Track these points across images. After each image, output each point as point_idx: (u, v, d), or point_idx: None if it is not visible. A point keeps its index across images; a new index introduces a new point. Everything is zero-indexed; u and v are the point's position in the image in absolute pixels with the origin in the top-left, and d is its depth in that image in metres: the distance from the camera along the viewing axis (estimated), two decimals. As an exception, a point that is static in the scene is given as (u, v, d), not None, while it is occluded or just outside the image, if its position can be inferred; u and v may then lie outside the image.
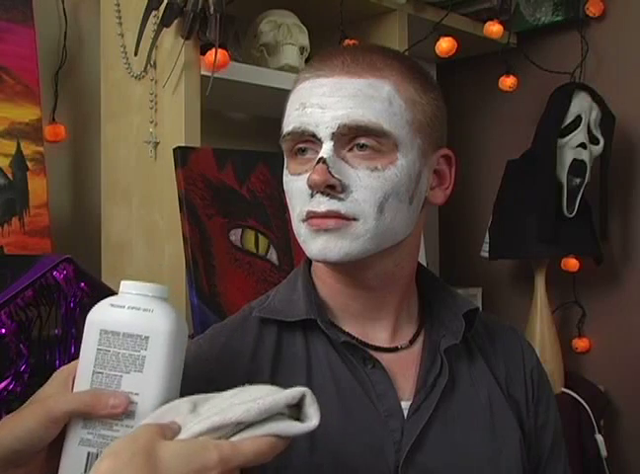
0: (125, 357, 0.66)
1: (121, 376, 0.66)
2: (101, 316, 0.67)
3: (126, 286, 0.68)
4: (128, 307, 0.67)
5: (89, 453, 0.65)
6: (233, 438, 0.60)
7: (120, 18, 1.46)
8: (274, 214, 1.36)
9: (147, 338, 0.66)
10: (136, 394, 0.65)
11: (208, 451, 0.58)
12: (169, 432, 0.60)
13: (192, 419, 0.62)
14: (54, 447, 0.66)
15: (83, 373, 0.67)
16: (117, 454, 0.56)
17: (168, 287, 0.69)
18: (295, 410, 0.63)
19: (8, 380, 1.04)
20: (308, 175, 0.78)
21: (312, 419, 0.62)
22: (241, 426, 0.60)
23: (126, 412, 0.65)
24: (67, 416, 0.65)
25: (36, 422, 0.64)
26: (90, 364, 0.67)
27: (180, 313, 0.69)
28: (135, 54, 1.38)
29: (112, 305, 0.67)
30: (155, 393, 0.66)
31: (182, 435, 0.60)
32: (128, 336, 0.66)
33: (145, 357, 0.66)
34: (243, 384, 0.65)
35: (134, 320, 0.66)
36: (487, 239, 1.88)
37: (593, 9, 1.85)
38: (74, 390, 0.67)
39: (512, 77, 1.83)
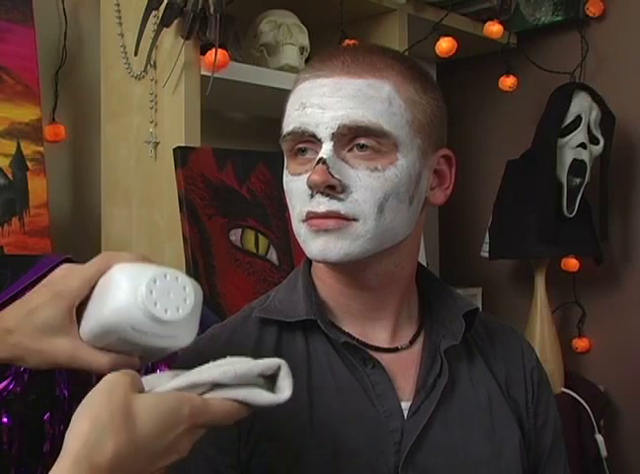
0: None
1: None
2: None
3: None
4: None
5: None
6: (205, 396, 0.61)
7: (120, 18, 1.46)
8: (274, 214, 1.36)
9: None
10: None
11: (182, 406, 0.59)
12: (139, 381, 0.61)
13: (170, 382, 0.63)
14: None
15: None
16: (96, 416, 0.56)
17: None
18: (269, 383, 0.64)
19: (8, 380, 1.04)
20: (308, 175, 0.78)
21: (284, 392, 0.62)
22: (214, 387, 0.62)
23: None
24: None
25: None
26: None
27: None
28: (135, 54, 1.38)
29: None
30: None
31: (158, 389, 0.61)
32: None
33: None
34: None
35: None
36: (487, 239, 1.88)
37: (593, 9, 1.85)
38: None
39: (512, 77, 1.83)
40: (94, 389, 0.59)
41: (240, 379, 0.61)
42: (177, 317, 0.64)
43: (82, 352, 0.66)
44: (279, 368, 0.63)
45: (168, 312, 0.63)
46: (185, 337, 0.67)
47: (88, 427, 0.56)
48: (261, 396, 0.62)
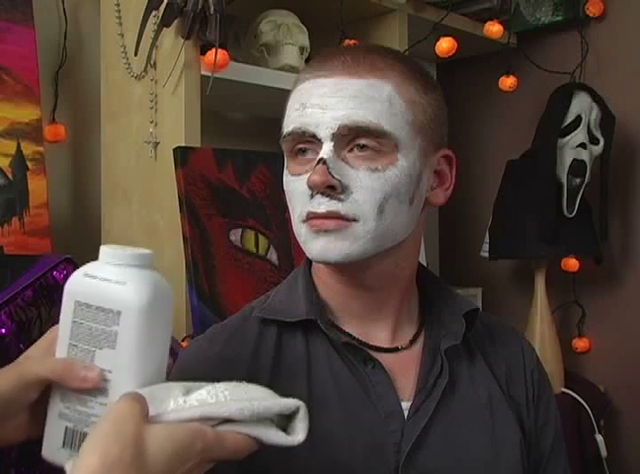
0: (98, 332, 0.62)
1: (94, 352, 0.62)
2: (75, 286, 0.64)
3: (103, 254, 0.63)
4: (101, 278, 0.62)
5: (67, 428, 0.63)
6: (217, 428, 0.60)
7: (120, 18, 1.46)
8: (274, 214, 1.36)
9: (119, 313, 0.61)
10: (109, 371, 0.62)
11: (194, 441, 0.58)
12: (147, 405, 0.59)
13: (182, 404, 0.60)
14: (39, 411, 0.65)
15: (61, 344, 0.64)
16: (105, 451, 0.55)
17: (151, 253, 0.64)
18: (285, 419, 0.62)
19: (8, 381, 1.04)
20: (308, 175, 0.78)
21: (298, 434, 0.61)
22: (229, 421, 0.60)
23: (98, 387, 0.61)
24: (39, 381, 0.63)
25: (9, 383, 0.63)
26: (66, 336, 0.63)
27: (160, 284, 0.63)
28: (135, 54, 1.38)
29: (85, 275, 0.63)
30: (129, 371, 0.62)
31: (171, 415, 0.59)
32: (100, 309, 0.62)
33: (117, 333, 0.61)
34: (240, 381, 0.65)
35: (105, 293, 0.62)
36: (487, 239, 1.88)
37: (593, 9, 1.86)
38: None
39: (512, 77, 1.83)
40: (103, 418, 0.57)
41: (257, 417, 0.60)
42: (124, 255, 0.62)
43: None
44: (297, 409, 0.62)
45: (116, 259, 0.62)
46: (134, 287, 0.62)
47: (97, 463, 0.54)
48: (276, 436, 0.60)
